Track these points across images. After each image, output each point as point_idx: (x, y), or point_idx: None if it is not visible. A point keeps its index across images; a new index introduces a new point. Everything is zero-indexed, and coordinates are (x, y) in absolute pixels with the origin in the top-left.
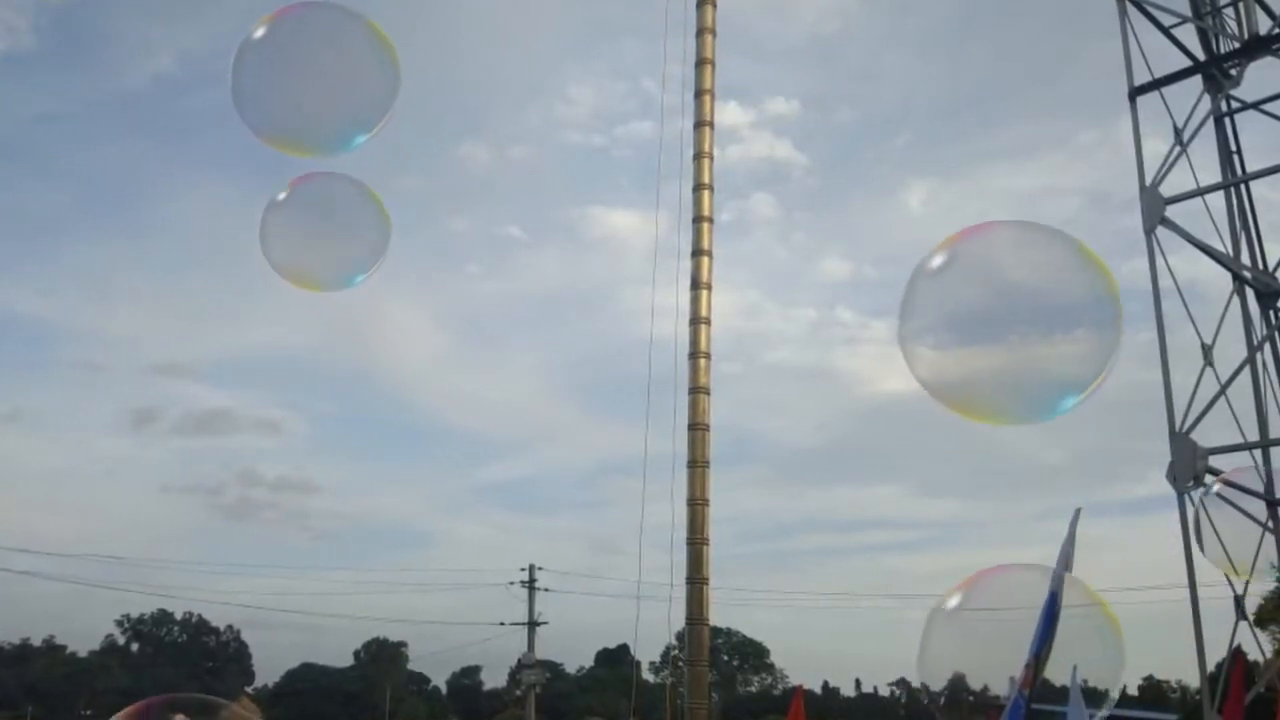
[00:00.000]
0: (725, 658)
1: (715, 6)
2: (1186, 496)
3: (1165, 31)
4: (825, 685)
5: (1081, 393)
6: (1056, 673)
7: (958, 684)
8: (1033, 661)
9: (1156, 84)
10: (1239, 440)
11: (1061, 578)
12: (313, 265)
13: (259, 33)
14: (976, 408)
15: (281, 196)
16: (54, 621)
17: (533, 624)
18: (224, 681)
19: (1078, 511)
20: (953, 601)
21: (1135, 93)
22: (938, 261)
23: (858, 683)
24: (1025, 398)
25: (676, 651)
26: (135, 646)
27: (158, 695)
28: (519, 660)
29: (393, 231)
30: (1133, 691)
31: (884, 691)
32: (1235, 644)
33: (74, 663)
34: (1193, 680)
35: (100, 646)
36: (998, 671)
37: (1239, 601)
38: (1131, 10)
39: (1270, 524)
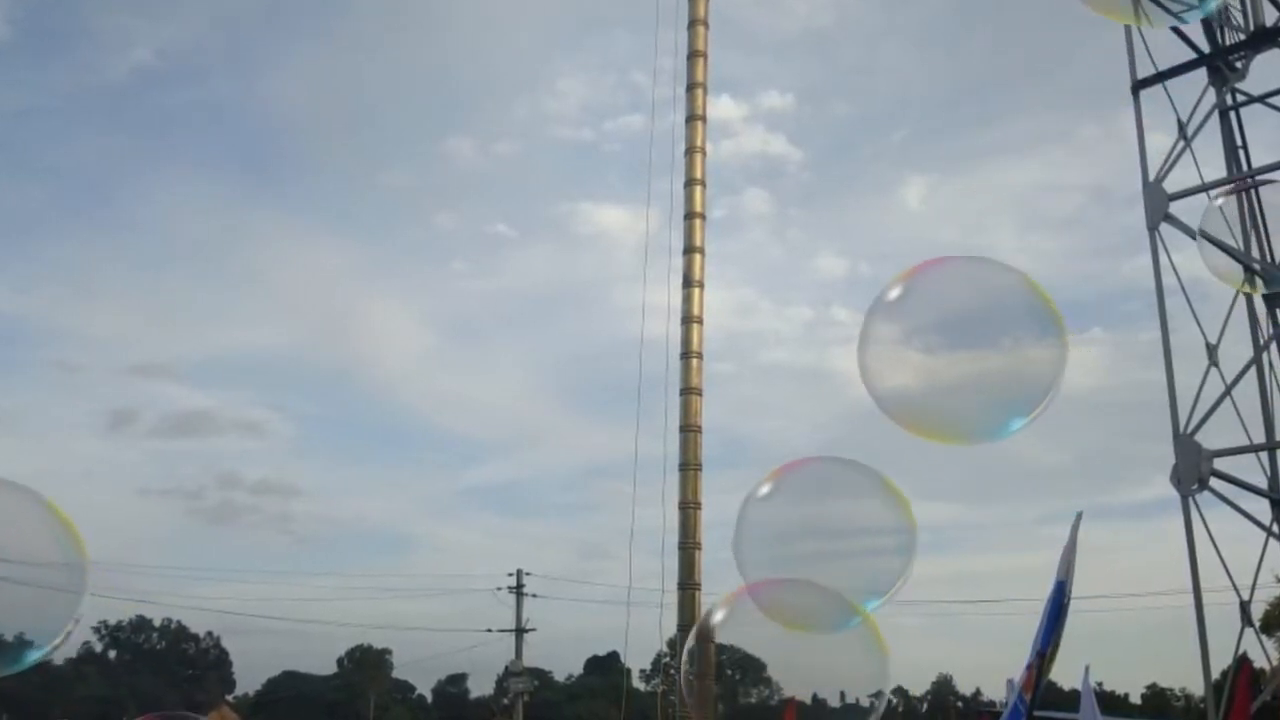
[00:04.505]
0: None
1: None
2: (1191, 500)
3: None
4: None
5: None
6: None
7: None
8: (1035, 662)
9: (1160, 77)
10: (1244, 442)
11: (1070, 565)
12: None
13: None
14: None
15: None
16: (29, 628)
17: (520, 630)
18: (204, 690)
19: (1079, 516)
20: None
21: (1138, 86)
22: None
23: (841, 695)
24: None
25: (667, 659)
26: (113, 654)
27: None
28: (506, 668)
29: None
30: (1135, 700)
31: (864, 703)
32: (1241, 651)
33: (50, 670)
34: (1197, 688)
35: (77, 654)
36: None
37: (1245, 608)
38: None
39: (1275, 527)
